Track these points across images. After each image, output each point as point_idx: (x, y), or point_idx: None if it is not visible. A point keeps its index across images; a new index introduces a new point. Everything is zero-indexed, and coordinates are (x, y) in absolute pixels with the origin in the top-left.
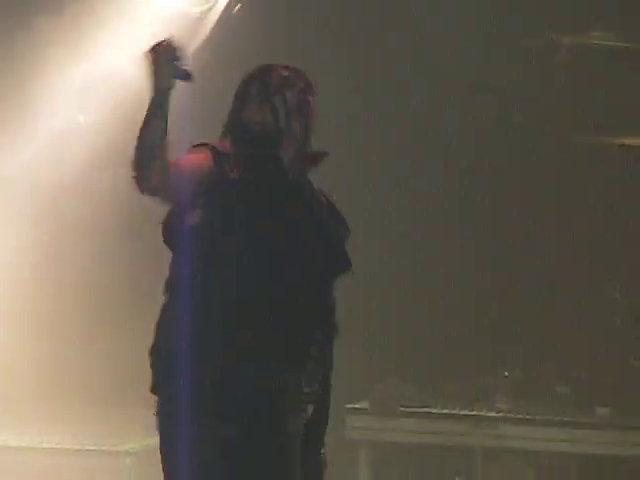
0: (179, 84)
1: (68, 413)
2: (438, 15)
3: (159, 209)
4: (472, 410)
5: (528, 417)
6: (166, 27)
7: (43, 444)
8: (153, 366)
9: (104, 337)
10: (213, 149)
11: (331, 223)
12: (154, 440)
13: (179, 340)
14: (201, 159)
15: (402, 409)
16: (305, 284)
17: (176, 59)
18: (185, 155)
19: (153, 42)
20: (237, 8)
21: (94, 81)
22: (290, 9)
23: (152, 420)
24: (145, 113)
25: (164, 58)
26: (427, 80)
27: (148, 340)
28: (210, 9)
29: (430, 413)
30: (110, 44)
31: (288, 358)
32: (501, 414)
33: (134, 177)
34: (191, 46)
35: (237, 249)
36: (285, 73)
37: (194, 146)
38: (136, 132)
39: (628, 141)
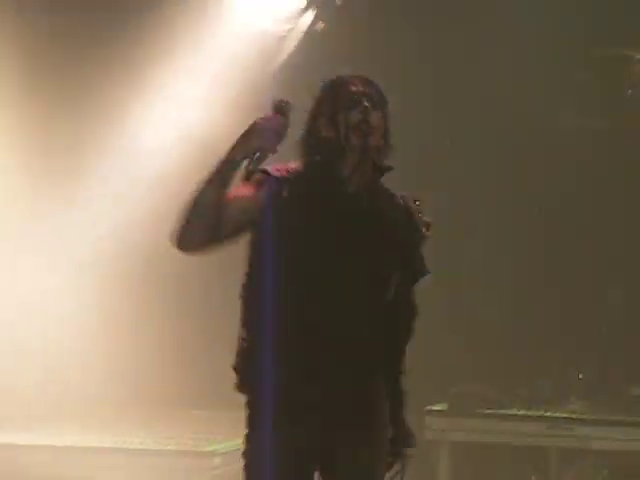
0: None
1: (154, 416)
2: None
3: None
4: (547, 411)
5: (602, 418)
6: (249, 46)
7: (132, 445)
8: (239, 368)
9: (187, 341)
10: (265, 175)
11: (400, 230)
12: (239, 441)
13: (265, 344)
14: (248, 191)
15: (479, 411)
16: (376, 292)
17: (277, 134)
18: (235, 191)
19: (264, 114)
20: (321, 26)
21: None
22: (373, 27)
23: (236, 422)
24: (207, 175)
25: (262, 136)
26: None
27: (230, 343)
28: (293, 28)
29: (506, 415)
30: (197, 63)
31: (380, 370)
32: (575, 415)
33: (177, 231)
34: (274, 65)
35: (307, 266)
36: (354, 88)
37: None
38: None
39: None
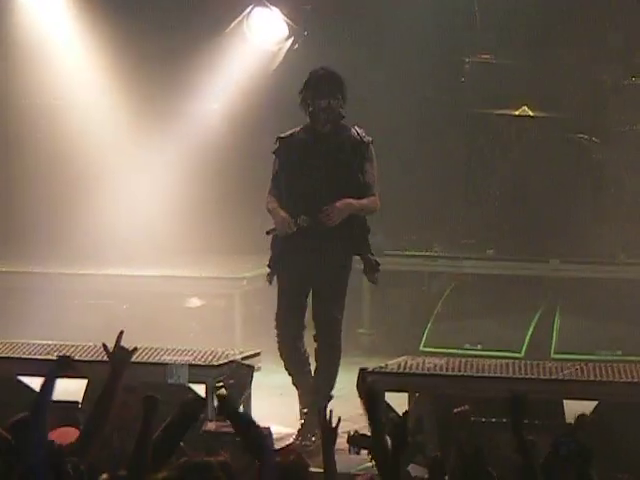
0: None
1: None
2: None
3: None
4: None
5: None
6: (253, 58)
7: (190, 273)
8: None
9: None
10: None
11: (353, 144)
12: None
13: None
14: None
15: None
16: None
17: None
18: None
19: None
20: (295, 46)
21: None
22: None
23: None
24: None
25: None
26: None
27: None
28: (282, 47)
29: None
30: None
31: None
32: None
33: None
34: (269, 71)
35: (302, 178)
36: (323, 85)
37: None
38: None
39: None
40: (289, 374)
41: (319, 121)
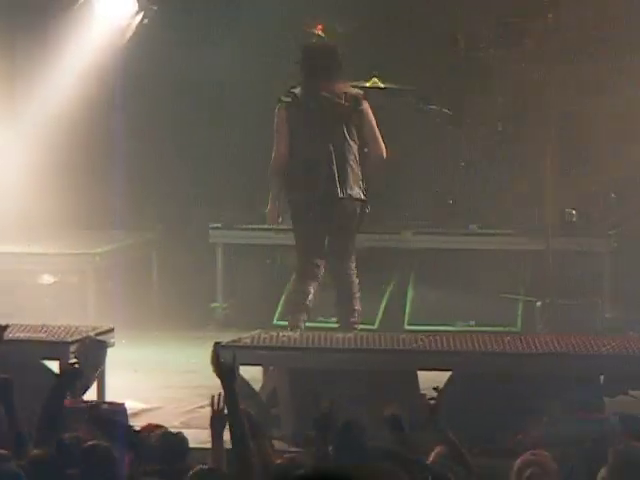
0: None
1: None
2: None
3: None
4: None
5: None
6: (103, 33)
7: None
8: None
9: None
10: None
11: (349, 101)
12: None
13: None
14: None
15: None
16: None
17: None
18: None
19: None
20: (145, 21)
21: None
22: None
23: None
24: None
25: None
26: None
27: None
28: (131, 22)
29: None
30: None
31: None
32: None
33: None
34: (121, 42)
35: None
36: (313, 60)
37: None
38: None
39: None
40: None
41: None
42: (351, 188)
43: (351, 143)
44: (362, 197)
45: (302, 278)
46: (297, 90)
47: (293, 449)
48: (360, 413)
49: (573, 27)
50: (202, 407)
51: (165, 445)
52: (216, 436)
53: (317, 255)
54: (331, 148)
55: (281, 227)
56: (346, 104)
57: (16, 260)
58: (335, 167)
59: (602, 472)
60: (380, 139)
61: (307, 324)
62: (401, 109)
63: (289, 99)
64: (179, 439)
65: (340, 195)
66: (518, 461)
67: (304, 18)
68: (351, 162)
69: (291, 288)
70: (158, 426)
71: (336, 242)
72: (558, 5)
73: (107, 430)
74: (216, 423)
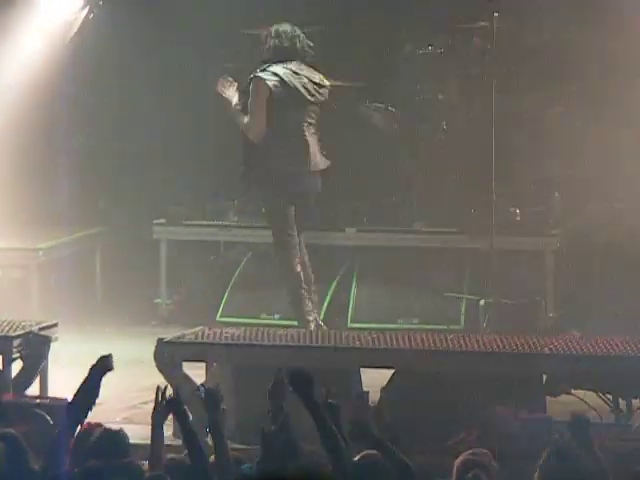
0: None
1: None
2: None
3: None
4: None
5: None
6: (49, 28)
7: None
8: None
9: None
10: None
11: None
12: None
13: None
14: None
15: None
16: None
17: None
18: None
19: None
20: (91, 15)
21: None
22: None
23: None
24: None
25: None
26: None
27: None
28: (78, 16)
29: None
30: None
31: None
32: None
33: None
34: (68, 36)
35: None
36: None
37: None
38: None
39: None
40: None
41: None
42: (316, 164)
43: (315, 121)
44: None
45: (286, 251)
46: (277, 69)
47: (236, 446)
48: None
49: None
50: (145, 403)
51: (105, 442)
52: (157, 430)
53: (293, 226)
54: (305, 125)
55: (225, 223)
56: (319, 87)
57: None
58: (306, 142)
59: (537, 473)
60: None
61: (251, 320)
62: (344, 107)
63: (274, 78)
64: (119, 436)
65: (309, 168)
66: (458, 460)
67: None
68: (316, 138)
69: (281, 270)
70: (98, 425)
71: (300, 214)
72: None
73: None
74: (157, 416)
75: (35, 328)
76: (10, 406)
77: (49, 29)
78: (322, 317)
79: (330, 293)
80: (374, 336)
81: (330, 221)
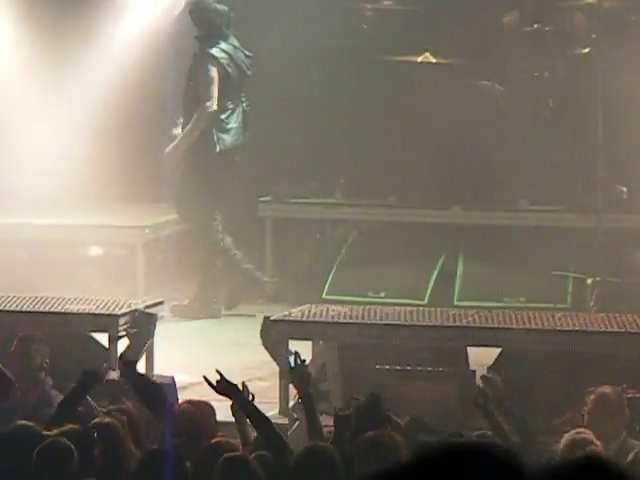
0: None
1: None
2: None
3: None
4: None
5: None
6: (145, 20)
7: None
8: None
9: None
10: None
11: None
12: None
13: None
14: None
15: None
16: None
17: None
18: None
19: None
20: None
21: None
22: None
23: None
24: None
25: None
26: None
27: None
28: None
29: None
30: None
31: None
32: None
33: None
34: (172, 17)
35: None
36: None
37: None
38: None
39: None
40: None
41: None
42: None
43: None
44: None
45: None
46: (223, 46)
47: None
48: (408, 388)
49: None
50: (250, 380)
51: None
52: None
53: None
54: (243, 104)
55: (331, 201)
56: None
57: (66, 231)
58: (244, 120)
59: None
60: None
61: (357, 299)
62: (453, 84)
63: (225, 56)
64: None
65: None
66: (565, 439)
67: None
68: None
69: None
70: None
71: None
72: None
73: (151, 405)
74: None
75: (141, 306)
76: (117, 384)
77: (157, 5)
78: (428, 295)
79: (436, 271)
80: (481, 314)
81: (435, 199)
